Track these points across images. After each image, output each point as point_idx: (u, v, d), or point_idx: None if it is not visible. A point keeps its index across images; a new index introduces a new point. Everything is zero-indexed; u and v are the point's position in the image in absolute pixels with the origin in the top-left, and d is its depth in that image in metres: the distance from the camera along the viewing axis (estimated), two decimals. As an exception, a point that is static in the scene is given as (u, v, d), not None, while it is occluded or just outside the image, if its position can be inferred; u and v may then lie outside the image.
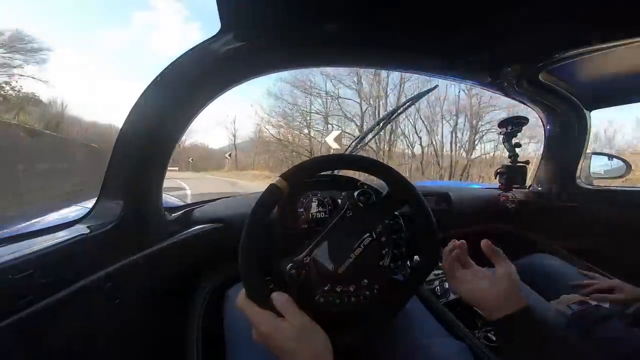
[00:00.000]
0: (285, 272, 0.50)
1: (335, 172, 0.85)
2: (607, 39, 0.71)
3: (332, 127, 22.74)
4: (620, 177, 1.40)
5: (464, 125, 19.65)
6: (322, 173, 0.64)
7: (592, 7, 0.60)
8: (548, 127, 1.33)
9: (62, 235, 0.59)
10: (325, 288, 0.51)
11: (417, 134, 20.68)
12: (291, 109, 24.09)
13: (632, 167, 1.42)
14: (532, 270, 1.06)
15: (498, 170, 1.34)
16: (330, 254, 0.51)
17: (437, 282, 0.96)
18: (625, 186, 1.42)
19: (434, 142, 20.23)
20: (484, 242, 0.63)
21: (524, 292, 0.88)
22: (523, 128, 1.25)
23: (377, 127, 1.09)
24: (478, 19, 0.66)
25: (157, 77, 0.61)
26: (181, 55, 0.61)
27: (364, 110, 21.74)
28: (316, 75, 22.56)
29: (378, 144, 20.58)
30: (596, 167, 1.39)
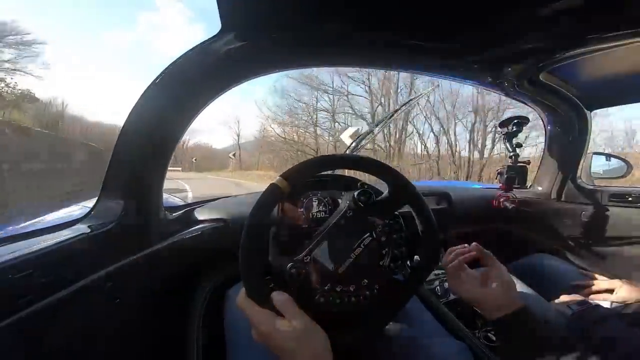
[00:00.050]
0: (286, 271, 0.50)
1: (336, 172, 0.85)
2: (607, 39, 0.71)
3: (339, 125, 21.91)
4: (621, 177, 1.40)
5: (479, 124, 18.31)
6: (322, 173, 0.64)
7: (593, 7, 0.60)
8: (549, 127, 1.33)
9: (62, 235, 0.59)
10: (326, 288, 0.51)
11: (433, 132, 19.46)
12: (297, 107, 23.32)
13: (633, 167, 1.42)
14: (533, 270, 1.06)
15: (498, 170, 1.34)
16: (330, 254, 0.51)
17: (437, 282, 0.96)
18: (626, 186, 1.42)
19: (450, 141, 19.06)
20: (474, 245, 0.66)
21: (524, 292, 0.89)
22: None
23: (377, 127, 1.09)
24: (479, 19, 0.66)
25: (157, 77, 0.61)
26: (182, 55, 0.61)
27: (375, 107, 20.43)
28: (322, 71, 21.64)
29: (389, 142, 19.83)
30: (597, 167, 1.39)
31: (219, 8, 0.53)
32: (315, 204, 0.63)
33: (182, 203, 1.00)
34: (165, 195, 0.77)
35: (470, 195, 1.46)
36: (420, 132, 19.91)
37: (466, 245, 0.67)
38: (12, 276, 0.47)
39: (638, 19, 0.63)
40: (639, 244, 1.20)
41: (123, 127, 0.63)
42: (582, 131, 1.26)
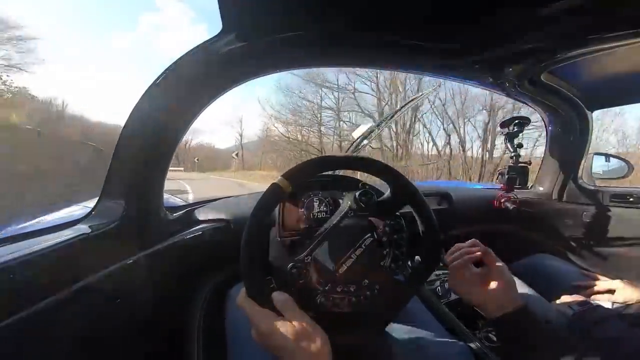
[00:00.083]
0: (286, 271, 0.50)
1: (337, 172, 0.85)
2: (608, 39, 0.70)
3: (345, 124, 21.20)
4: (622, 177, 1.39)
5: (490, 124, 17.28)
6: (324, 173, 0.64)
7: (594, 7, 0.60)
8: (550, 127, 1.33)
9: (63, 235, 0.59)
10: (326, 288, 0.51)
11: (445, 130, 18.48)
12: (300, 105, 22.67)
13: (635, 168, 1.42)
14: (534, 270, 1.06)
15: (499, 171, 1.34)
16: (331, 254, 0.51)
17: (438, 283, 0.96)
18: (627, 186, 1.42)
19: (461, 140, 18.04)
20: (474, 241, 0.66)
21: (524, 292, 0.88)
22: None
23: (377, 128, 1.09)
24: (479, 19, 0.66)
25: (158, 77, 0.61)
26: (183, 56, 0.61)
27: (382, 106, 19.36)
28: (328, 69, 20.57)
29: (397, 141, 19.04)
30: (598, 168, 1.38)
31: (219, 8, 0.53)
32: (316, 204, 0.63)
33: (183, 203, 1.00)
34: (166, 196, 0.77)
35: (471, 196, 1.46)
36: (430, 130, 19.09)
37: (477, 241, 0.67)
38: (13, 276, 0.47)
39: (639, 19, 0.63)
40: None
41: (124, 127, 0.63)
42: (583, 131, 1.26)
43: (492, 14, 0.64)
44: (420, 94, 1.01)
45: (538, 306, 0.82)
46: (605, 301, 0.86)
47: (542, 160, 1.44)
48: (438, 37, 0.72)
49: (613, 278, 0.92)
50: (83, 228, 0.63)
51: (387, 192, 0.58)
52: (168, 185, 0.74)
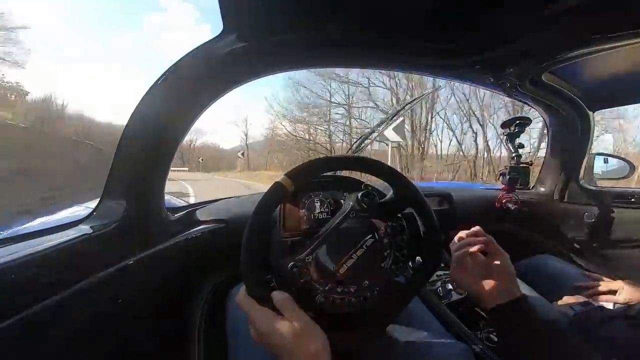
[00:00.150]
0: (287, 270, 0.50)
1: (338, 172, 0.85)
2: (609, 39, 0.70)
3: (356, 121, 20.05)
4: (623, 177, 1.39)
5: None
6: (325, 173, 0.64)
7: (595, 7, 0.60)
8: (551, 127, 1.33)
9: (65, 235, 0.59)
10: (326, 288, 0.51)
11: (471, 128, 17.04)
12: (309, 102, 21.57)
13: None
14: (535, 271, 1.06)
15: (501, 171, 1.34)
16: (332, 254, 0.51)
17: (439, 283, 0.96)
18: (628, 187, 1.41)
19: (486, 138, 16.71)
20: (477, 229, 0.67)
21: (526, 293, 0.88)
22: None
23: (380, 127, 1.09)
24: (480, 19, 0.66)
25: (160, 78, 0.61)
26: (184, 56, 0.61)
27: (401, 98, 17.92)
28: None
29: (417, 140, 17.97)
30: (599, 168, 1.38)
31: (220, 9, 0.54)
32: (317, 205, 0.63)
33: (184, 204, 1.00)
34: (167, 196, 0.77)
35: (472, 196, 1.46)
36: (454, 128, 17.85)
37: (481, 229, 0.68)
38: (14, 276, 0.47)
39: (639, 19, 0.63)
40: None
41: (125, 127, 0.63)
42: (584, 132, 1.25)
43: (492, 14, 0.64)
44: (422, 94, 1.01)
45: (540, 307, 0.82)
46: (607, 302, 0.86)
47: (543, 161, 1.43)
48: (438, 37, 0.72)
49: (615, 279, 0.92)
50: (85, 228, 0.63)
51: (390, 194, 0.58)
52: (169, 187, 0.74)
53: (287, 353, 0.42)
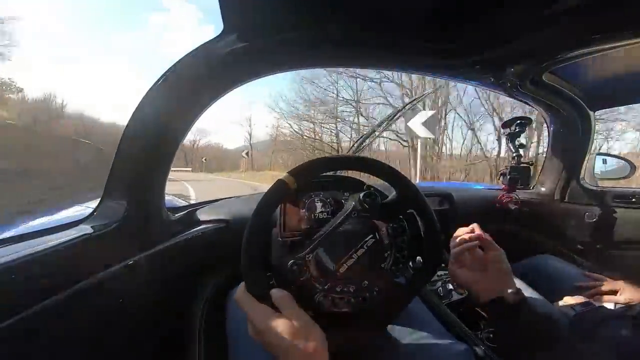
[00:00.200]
0: (287, 268, 0.50)
1: (339, 172, 0.85)
2: (610, 39, 0.70)
3: (364, 118, 19.20)
4: (624, 177, 1.39)
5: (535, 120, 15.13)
6: (326, 173, 0.64)
7: (596, 7, 0.60)
8: (552, 127, 1.33)
9: (65, 235, 0.59)
10: (326, 287, 0.51)
11: (494, 126, 16.25)
12: (316, 100, 20.96)
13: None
14: (536, 271, 1.06)
15: (501, 171, 1.34)
16: (332, 254, 0.51)
17: (439, 283, 0.96)
18: (629, 187, 1.41)
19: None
20: (474, 225, 0.69)
21: (526, 293, 0.88)
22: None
23: (379, 128, 1.09)
24: (480, 19, 0.66)
25: (160, 78, 0.61)
26: (184, 56, 0.61)
27: (405, 98, 17.36)
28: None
29: (434, 140, 16.69)
30: (600, 168, 1.38)
31: (220, 9, 0.54)
32: (318, 205, 0.63)
33: (184, 204, 1.00)
34: (168, 197, 0.77)
35: (472, 196, 1.45)
36: (476, 128, 17.22)
37: (479, 229, 0.70)
38: (15, 277, 0.47)
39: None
40: None
41: (126, 127, 0.63)
42: (585, 131, 1.25)
43: (492, 14, 0.64)
44: (422, 94, 1.01)
45: (540, 307, 0.82)
46: (607, 302, 0.85)
47: (544, 161, 1.43)
48: (438, 37, 0.72)
49: (616, 279, 0.92)
50: (85, 228, 0.63)
51: (392, 195, 0.58)
52: (170, 187, 0.74)
53: (284, 351, 0.42)
